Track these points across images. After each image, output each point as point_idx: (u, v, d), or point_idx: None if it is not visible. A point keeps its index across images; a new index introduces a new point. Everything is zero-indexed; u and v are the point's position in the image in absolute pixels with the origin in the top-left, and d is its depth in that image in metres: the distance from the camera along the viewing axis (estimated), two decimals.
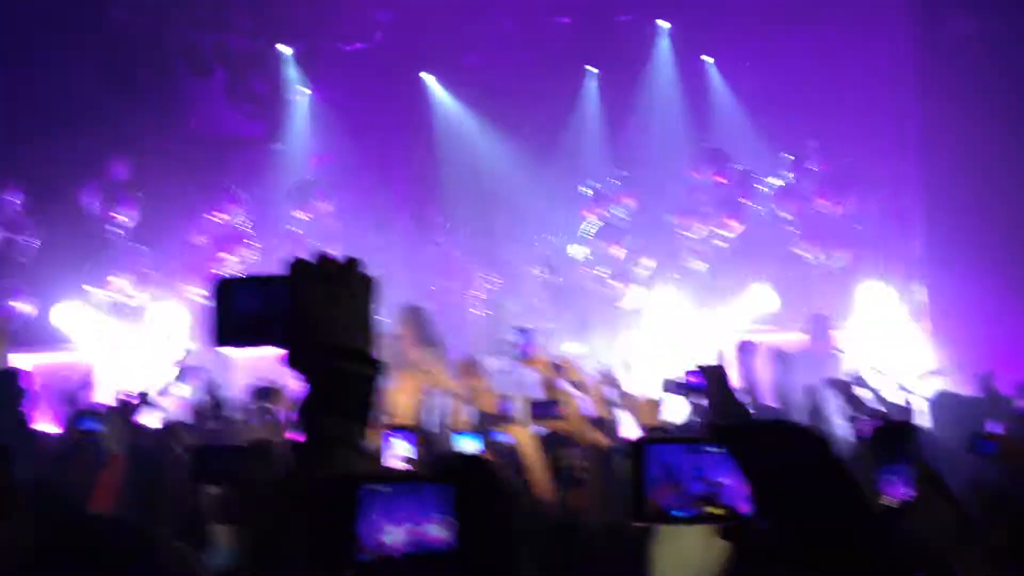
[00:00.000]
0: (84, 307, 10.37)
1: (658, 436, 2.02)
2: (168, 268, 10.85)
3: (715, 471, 1.69)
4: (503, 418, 4.32)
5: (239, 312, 1.49)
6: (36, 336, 10.14)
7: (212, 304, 1.48)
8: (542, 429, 5.24)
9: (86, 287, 10.42)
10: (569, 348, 10.04)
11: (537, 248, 11.52)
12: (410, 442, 3.99)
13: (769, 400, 6.69)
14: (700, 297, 10.65)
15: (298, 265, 1.49)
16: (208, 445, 3.85)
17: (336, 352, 1.45)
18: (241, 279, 1.52)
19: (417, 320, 7.54)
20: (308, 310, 1.46)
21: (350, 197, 11.42)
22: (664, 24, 11.27)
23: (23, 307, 10.04)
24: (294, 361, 1.47)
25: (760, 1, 10.22)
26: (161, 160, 10.73)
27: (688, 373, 4.86)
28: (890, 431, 2.62)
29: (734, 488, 1.63)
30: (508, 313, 11.20)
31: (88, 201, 10.59)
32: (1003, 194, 9.22)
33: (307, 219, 11.22)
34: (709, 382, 4.74)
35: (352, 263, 1.51)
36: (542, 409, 4.06)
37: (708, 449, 1.68)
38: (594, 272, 11.00)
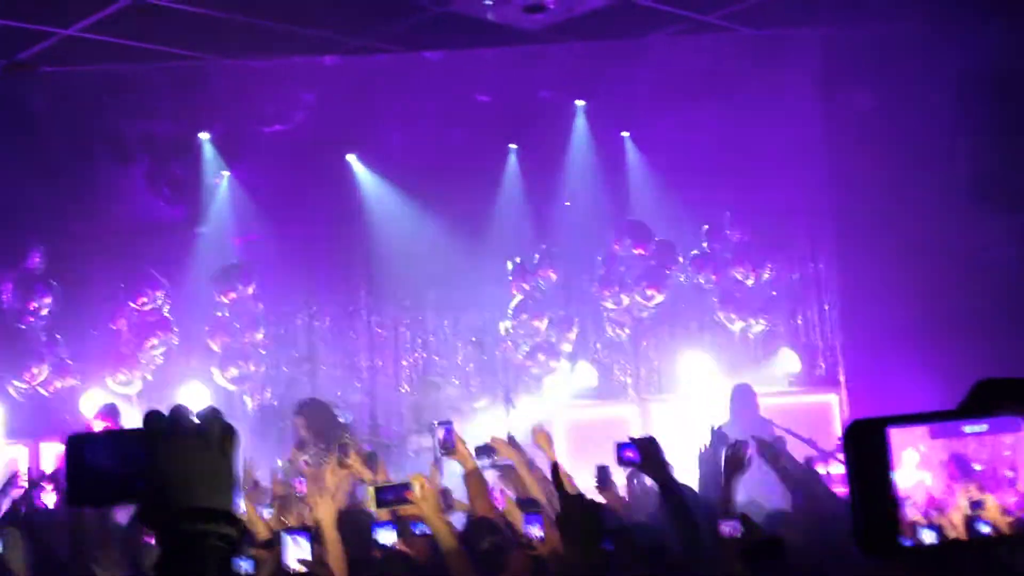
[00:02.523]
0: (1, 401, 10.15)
1: None
2: (88, 356, 10.68)
3: None
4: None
5: (94, 469, 1.45)
6: None
7: (66, 461, 1.46)
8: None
9: (13, 382, 10.21)
10: (497, 424, 10.04)
11: (464, 325, 11.57)
12: (307, 541, 3.94)
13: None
14: (622, 366, 10.77)
15: (152, 420, 1.46)
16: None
17: (188, 512, 1.42)
18: (95, 435, 1.50)
19: (315, 414, 7.48)
20: (161, 468, 1.43)
21: (275, 279, 11.39)
22: (580, 103, 11.52)
23: None
24: (146, 520, 1.45)
25: (674, 78, 10.51)
26: (80, 247, 10.64)
27: (621, 447, 4.88)
28: (759, 546, 2.66)
29: None
30: (437, 392, 11.20)
31: (4, 291, 10.43)
32: (914, 256, 9.51)
33: (230, 303, 11.14)
34: (643, 456, 4.75)
35: (210, 415, 1.48)
36: (389, 494, 4.03)
37: None
38: (519, 346, 11.06)
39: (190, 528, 1.41)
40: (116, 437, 1.48)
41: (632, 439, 4.69)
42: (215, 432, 1.47)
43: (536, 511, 4.70)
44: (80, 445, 1.46)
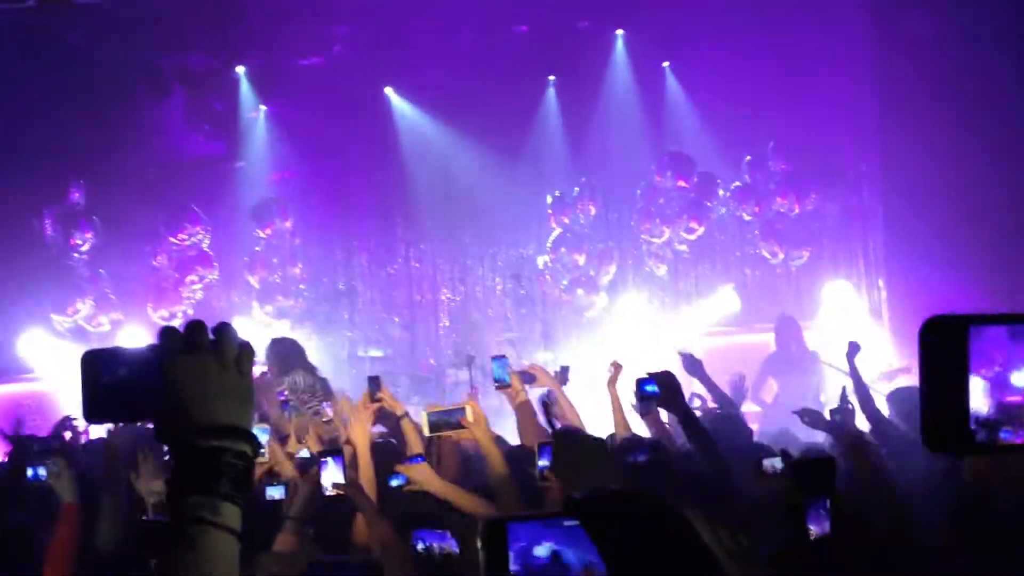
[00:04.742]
0: (47, 336, 10.30)
1: (515, 514, 1.98)
2: (130, 292, 10.78)
3: (574, 546, 1.69)
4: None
5: (107, 386, 1.43)
6: None
7: (81, 377, 1.43)
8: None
9: (53, 316, 10.35)
10: (536, 357, 10.02)
11: (504, 258, 11.51)
12: (339, 465, 3.95)
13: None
14: (662, 300, 10.67)
15: (166, 336, 1.43)
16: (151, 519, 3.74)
17: (204, 428, 1.39)
18: (109, 351, 1.46)
19: (276, 353, 7.44)
20: (175, 384, 1.40)
21: (313, 213, 11.38)
22: (620, 32, 11.28)
23: None
24: (161, 437, 1.42)
25: (716, 4, 10.26)
26: (121, 183, 10.68)
27: (640, 382, 4.79)
28: (810, 465, 2.60)
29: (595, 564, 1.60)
30: (475, 325, 11.20)
31: (47, 227, 10.52)
32: (962, 191, 9.28)
33: (268, 237, 11.16)
34: (663, 391, 4.66)
35: (225, 331, 1.44)
36: (442, 417, 4.01)
37: (566, 523, 1.67)
38: (559, 281, 10.99)
39: (204, 444, 1.38)
40: (131, 353, 1.45)
41: (650, 374, 4.54)
42: (230, 349, 1.42)
43: (549, 443, 4.65)
44: (95, 361, 1.43)
